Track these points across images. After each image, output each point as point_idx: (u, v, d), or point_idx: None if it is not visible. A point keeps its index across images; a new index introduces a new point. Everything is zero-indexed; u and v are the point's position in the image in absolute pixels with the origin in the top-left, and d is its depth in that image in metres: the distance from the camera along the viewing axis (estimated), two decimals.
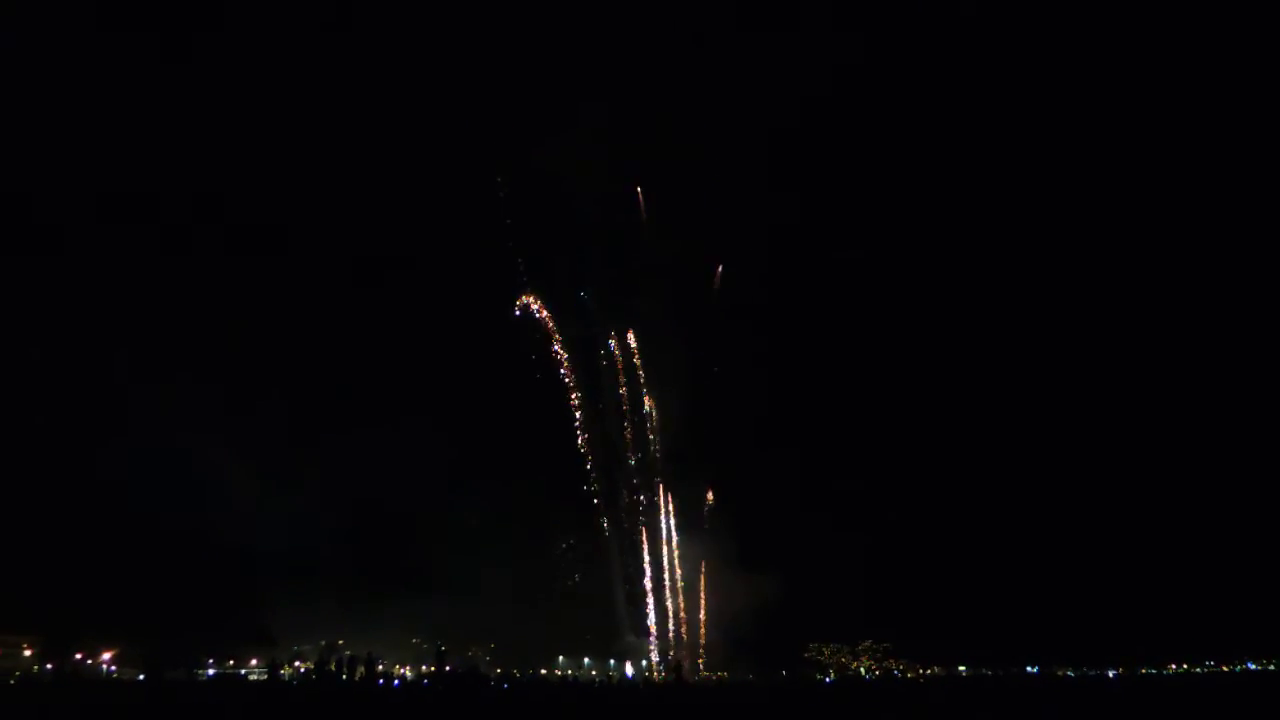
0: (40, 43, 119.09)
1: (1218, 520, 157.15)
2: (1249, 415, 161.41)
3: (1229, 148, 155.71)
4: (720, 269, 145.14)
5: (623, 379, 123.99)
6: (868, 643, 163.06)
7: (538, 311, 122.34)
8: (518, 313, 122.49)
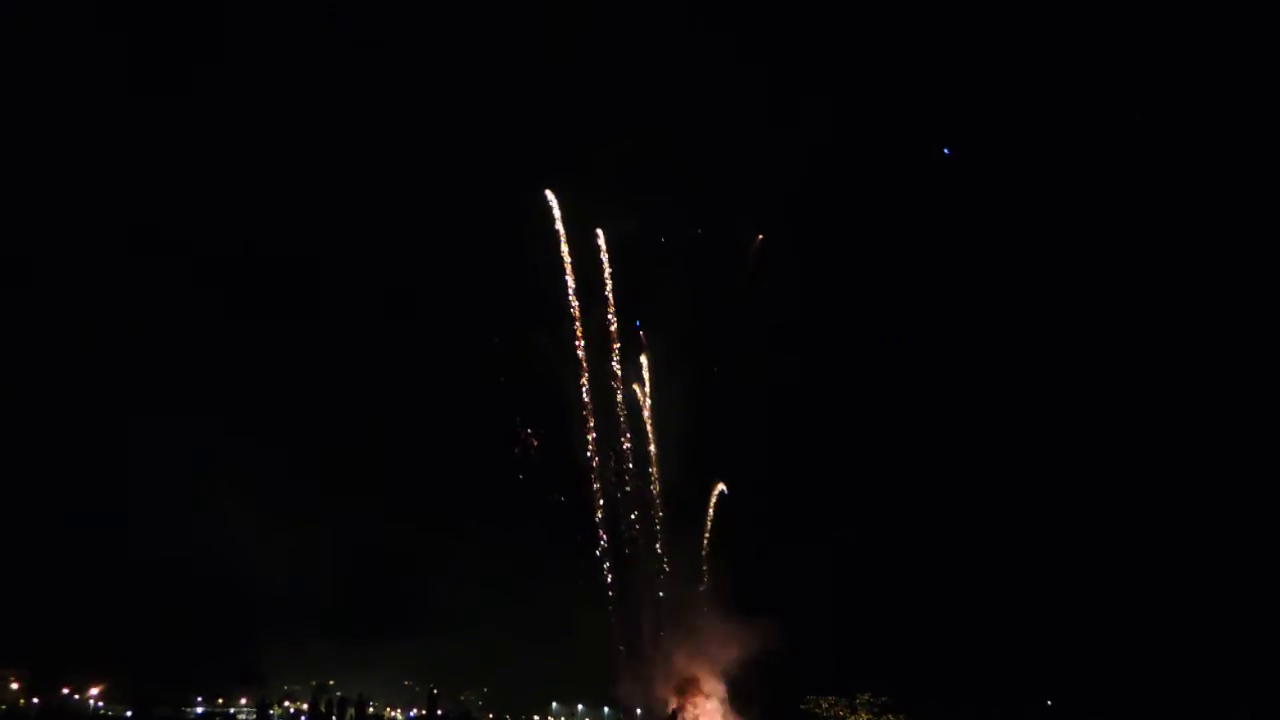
0: (46, 75, 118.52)
1: (1226, 575, 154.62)
2: (1248, 450, 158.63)
3: (1228, 148, 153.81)
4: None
5: (624, 426, 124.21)
6: (866, 696, 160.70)
7: (533, 444, 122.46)
8: (517, 450, 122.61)
